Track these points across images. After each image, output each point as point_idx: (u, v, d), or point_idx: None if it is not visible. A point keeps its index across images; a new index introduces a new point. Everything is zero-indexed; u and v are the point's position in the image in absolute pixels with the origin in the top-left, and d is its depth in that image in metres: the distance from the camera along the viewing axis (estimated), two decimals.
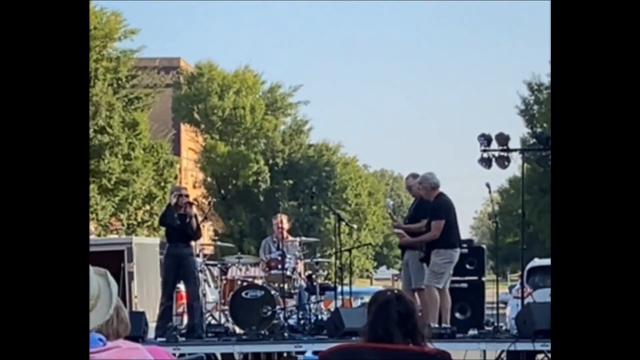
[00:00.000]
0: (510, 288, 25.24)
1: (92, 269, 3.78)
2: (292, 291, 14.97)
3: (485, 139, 14.84)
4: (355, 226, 42.29)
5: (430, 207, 13.40)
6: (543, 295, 16.12)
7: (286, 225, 15.64)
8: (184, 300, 15.08)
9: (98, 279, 3.79)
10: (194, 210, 14.14)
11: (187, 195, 14.32)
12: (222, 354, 13.66)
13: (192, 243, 14.06)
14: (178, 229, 13.67)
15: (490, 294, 15.91)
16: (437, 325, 12.89)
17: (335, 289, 15.68)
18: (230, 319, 14.30)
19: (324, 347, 12.62)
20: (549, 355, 12.26)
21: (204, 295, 14.49)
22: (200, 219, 14.12)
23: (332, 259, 20.43)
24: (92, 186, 33.31)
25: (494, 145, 14.89)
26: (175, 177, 41.71)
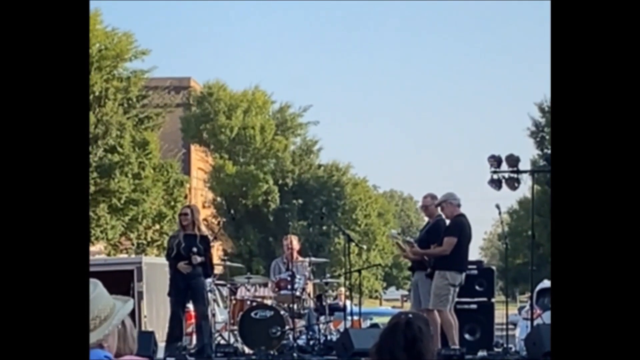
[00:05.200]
0: (520, 309, 25.21)
1: (117, 297, 3.85)
2: (302, 311, 14.96)
3: (495, 160, 14.84)
4: (364, 247, 42.22)
5: (444, 228, 13.44)
6: None
7: (296, 246, 15.65)
8: (193, 320, 15.08)
9: (117, 303, 3.83)
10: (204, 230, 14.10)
11: (187, 213, 14.10)
12: None
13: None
14: (177, 249, 13.65)
15: (499, 315, 15.87)
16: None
17: (344, 309, 15.65)
18: (239, 339, 14.29)
19: None
20: None
21: (213, 315, 14.47)
22: (210, 239, 14.05)
23: (342, 280, 20.39)
24: (102, 205, 33.37)
25: (504, 166, 14.89)
26: (185, 197, 41.73)
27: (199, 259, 13.48)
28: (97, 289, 3.82)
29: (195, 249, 13.50)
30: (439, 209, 13.78)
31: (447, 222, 13.59)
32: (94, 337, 3.78)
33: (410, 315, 5.16)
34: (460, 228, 13.36)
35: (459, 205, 13.54)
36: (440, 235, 13.40)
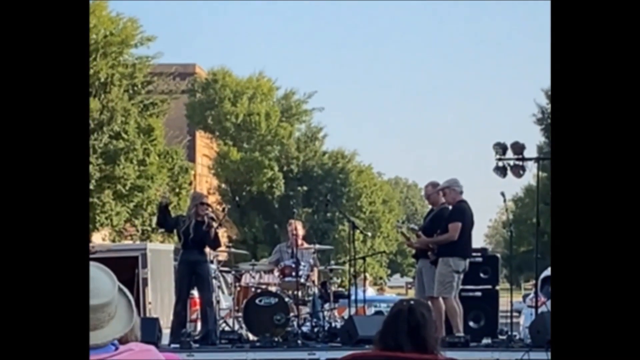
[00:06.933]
0: (524, 297, 25.19)
1: (110, 279, 3.82)
2: (306, 298, 14.96)
3: (501, 148, 14.83)
4: (369, 234, 42.21)
5: (447, 215, 13.44)
6: None
7: (301, 232, 15.62)
8: (198, 307, 15.09)
9: (117, 295, 3.82)
10: (212, 215, 14.15)
11: (208, 204, 14.35)
12: None
13: (206, 250, 14.08)
14: (184, 235, 13.72)
15: (504, 303, 15.88)
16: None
17: (349, 296, 15.65)
18: (243, 325, 14.30)
19: (337, 354, 12.64)
20: None
21: (218, 301, 14.48)
22: (214, 225, 14.08)
23: (346, 267, 20.43)
24: (107, 192, 33.38)
25: (509, 154, 14.88)
26: (190, 184, 41.74)
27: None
28: (116, 282, 3.82)
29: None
30: (441, 196, 13.78)
31: (450, 208, 13.60)
32: (125, 327, 3.79)
33: (413, 302, 5.16)
34: (463, 213, 13.37)
35: (461, 192, 13.55)
36: (443, 223, 13.39)
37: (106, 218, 33.73)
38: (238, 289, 15.13)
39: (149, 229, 36.79)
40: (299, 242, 15.32)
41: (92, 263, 3.78)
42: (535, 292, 16.01)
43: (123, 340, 3.95)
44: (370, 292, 25.90)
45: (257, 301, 14.32)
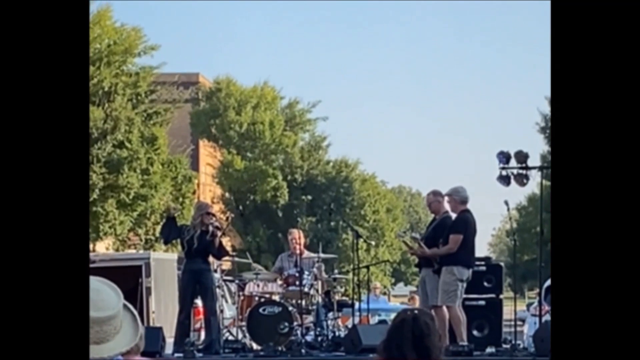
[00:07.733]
0: (528, 306, 25.16)
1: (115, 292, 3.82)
2: (310, 307, 14.95)
3: (504, 157, 14.82)
4: (373, 243, 42.17)
5: (450, 224, 13.43)
6: None
7: (302, 240, 15.58)
8: (202, 316, 15.09)
9: (122, 309, 3.82)
10: (217, 224, 14.16)
11: (213, 214, 14.39)
12: None
13: (210, 259, 14.09)
14: (188, 244, 13.74)
15: (508, 312, 15.86)
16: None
17: (352, 305, 15.64)
18: (247, 335, 14.29)
19: None
20: None
21: (222, 311, 14.47)
22: (219, 234, 14.08)
23: (350, 276, 20.40)
24: (110, 201, 33.39)
25: (513, 163, 14.87)
26: (194, 193, 41.72)
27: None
28: (121, 296, 3.82)
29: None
30: (445, 204, 13.77)
31: (453, 216, 13.59)
32: (130, 342, 3.78)
33: (417, 312, 5.17)
34: (465, 224, 13.36)
35: (465, 201, 13.53)
36: (446, 232, 13.39)
37: (110, 227, 33.74)
38: (242, 298, 15.12)
39: (153, 238, 36.77)
40: (302, 250, 15.31)
41: (97, 277, 3.78)
42: (539, 301, 15.99)
43: (126, 354, 3.95)
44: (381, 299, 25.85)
45: (260, 310, 14.31)
